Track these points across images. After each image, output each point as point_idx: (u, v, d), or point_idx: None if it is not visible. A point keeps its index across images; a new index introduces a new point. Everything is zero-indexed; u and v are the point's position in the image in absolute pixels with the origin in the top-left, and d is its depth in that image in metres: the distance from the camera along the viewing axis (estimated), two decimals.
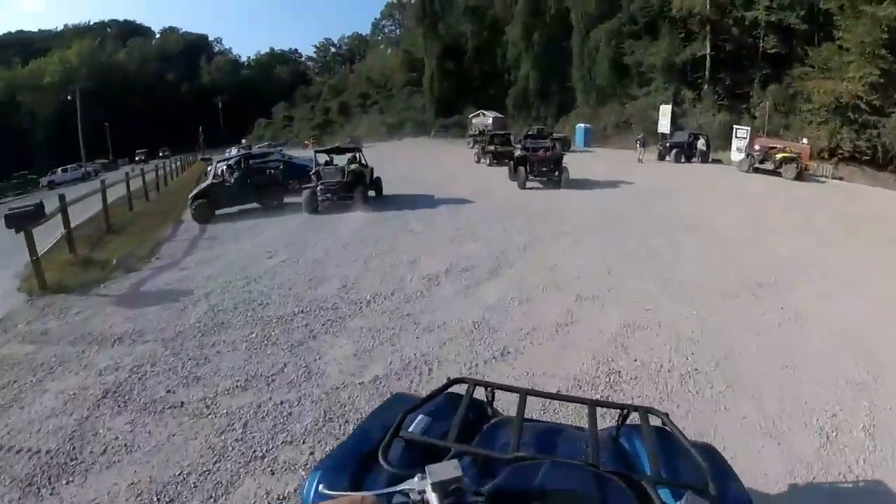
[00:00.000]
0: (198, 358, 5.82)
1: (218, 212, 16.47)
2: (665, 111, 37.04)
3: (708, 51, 40.30)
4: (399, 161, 31.93)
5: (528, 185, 19.51)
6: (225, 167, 18.54)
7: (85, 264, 9.93)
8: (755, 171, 24.79)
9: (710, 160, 29.05)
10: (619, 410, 1.90)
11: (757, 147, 26.92)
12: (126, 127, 73.53)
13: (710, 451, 1.78)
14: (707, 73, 40.79)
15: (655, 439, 1.64)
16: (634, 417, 1.85)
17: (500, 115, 50.75)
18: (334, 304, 7.46)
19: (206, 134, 72.26)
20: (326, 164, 18.06)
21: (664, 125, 36.30)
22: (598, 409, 1.80)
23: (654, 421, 1.79)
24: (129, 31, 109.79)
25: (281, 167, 19.46)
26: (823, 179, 25.91)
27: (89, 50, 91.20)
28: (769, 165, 24.48)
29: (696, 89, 41.39)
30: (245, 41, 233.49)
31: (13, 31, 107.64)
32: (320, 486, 1.44)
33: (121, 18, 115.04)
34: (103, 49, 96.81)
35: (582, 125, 42.79)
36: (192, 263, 10.46)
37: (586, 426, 1.72)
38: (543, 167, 19.78)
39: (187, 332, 6.60)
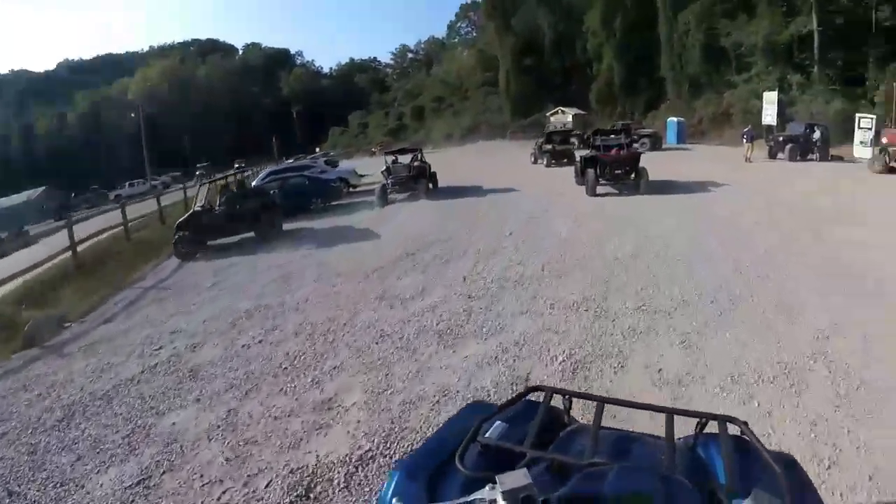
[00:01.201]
0: None
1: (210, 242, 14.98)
2: (770, 98, 32.64)
3: (815, 25, 35.37)
4: (457, 165, 30.42)
5: (600, 189, 17.39)
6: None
7: None
8: (891, 172, 20.82)
9: (829, 157, 24.88)
10: (697, 419, 1.75)
11: (885, 139, 22.76)
12: (206, 140, 75.58)
13: (790, 463, 1.66)
14: (816, 52, 35.89)
15: (733, 449, 1.56)
16: (714, 427, 1.67)
17: (581, 112, 47.64)
18: None
19: (283, 144, 72.47)
20: (394, 162, 21.19)
21: (770, 115, 32.00)
22: (676, 418, 1.72)
23: (734, 430, 1.68)
24: (212, 48, 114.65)
25: (306, 182, 20.41)
26: None
27: (170, 68, 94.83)
28: None
29: (804, 72, 36.52)
30: (327, 53, 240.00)
31: (101, 53, 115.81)
32: (397, 492, 1.47)
33: (203, 38, 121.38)
34: (184, 66, 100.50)
35: (674, 119, 38.45)
36: (93, 341, 8.50)
37: (664, 435, 1.67)
38: (617, 169, 17.51)
39: None
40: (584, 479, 1.35)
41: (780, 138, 25.18)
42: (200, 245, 14.65)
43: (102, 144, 75.94)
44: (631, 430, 1.97)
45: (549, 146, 28.44)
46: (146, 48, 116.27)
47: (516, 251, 10.95)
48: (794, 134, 25.12)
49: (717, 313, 6.83)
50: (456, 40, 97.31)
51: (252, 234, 15.25)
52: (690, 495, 1.33)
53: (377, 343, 6.90)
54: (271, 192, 18.17)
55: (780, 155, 24.88)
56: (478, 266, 10.06)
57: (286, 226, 16.40)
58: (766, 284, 7.82)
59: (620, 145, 18.54)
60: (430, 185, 21.04)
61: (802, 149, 24.56)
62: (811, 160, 24.38)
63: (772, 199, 15.12)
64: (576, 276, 8.89)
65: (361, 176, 28.25)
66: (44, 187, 54.78)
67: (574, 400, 1.95)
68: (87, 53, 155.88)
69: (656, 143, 33.29)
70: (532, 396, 1.88)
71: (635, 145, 30.87)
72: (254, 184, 21.63)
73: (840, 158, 24.47)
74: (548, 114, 48.95)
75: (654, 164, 19.52)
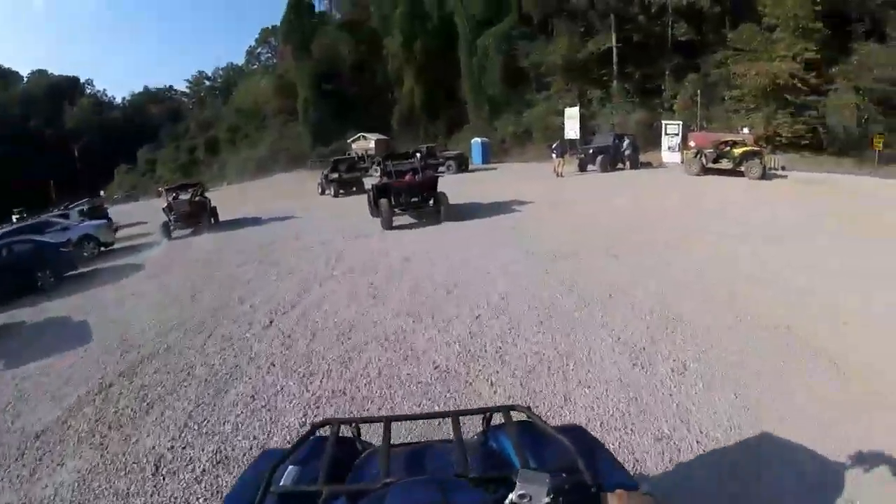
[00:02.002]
0: None
1: None
2: (571, 114, 31.46)
3: (614, 42, 35.31)
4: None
5: (397, 220, 14.90)
6: None
7: None
8: (706, 173, 19.11)
9: (639, 165, 23.28)
10: (482, 415, 1.91)
11: (693, 143, 21.68)
12: None
13: (577, 432, 1.81)
14: (615, 67, 35.83)
15: (521, 434, 1.65)
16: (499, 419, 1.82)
17: (383, 138, 44.32)
18: None
19: (63, 187, 61.21)
20: (175, 198, 20.39)
21: (572, 130, 30.71)
22: (463, 419, 1.82)
23: (520, 417, 1.80)
24: None
25: (31, 249, 13.90)
26: (781, 173, 20.67)
27: None
28: (726, 164, 18.94)
29: (603, 87, 36.32)
30: (121, 82, 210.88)
31: None
32: None
33: None
34: None
35: (478, 140, 36.42)
36: None
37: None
38: (413, 197, 15.32)
39: None
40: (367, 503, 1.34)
41: (591, 150, 23.04)
42: None
43: None
44: (420, 440, 2.25)
45: (335, 175, 26.17)
46: None
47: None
48: (604, 145, 23.13)
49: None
50: (255, 67, 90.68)
51: None
52: (467, 493, 1.34)
53: None
54: None
55: (591, 166, 22.76)
56: None
57: None
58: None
59: (415, 170, 16.06)
60: (212, 220, 20.54)
61: (613, 158, 22.62)
62: (621, 169, 22.67)
63: (594, 213, 13.29)
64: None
65: (117, 229, 21.49)
66: None
67: (362, 426, 2.03)
68: None
69: (462, 164, 30.94)
70: (321, 432, 1.83)
71: (441, 168, 28.19)
72: None
73: (649, 164, 23.04)
74: (349, 140, 45.00)
75: (461, 187, 18.89)
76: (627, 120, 32.06)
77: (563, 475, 1.37)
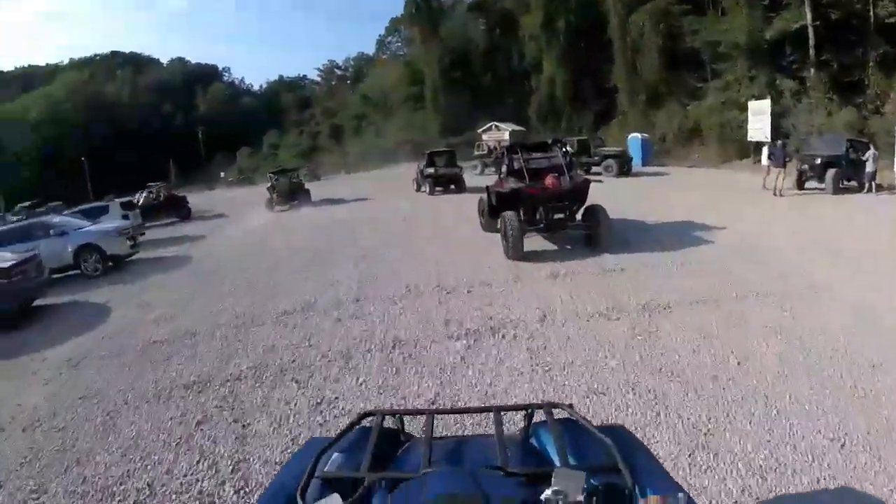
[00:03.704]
0: None
1: None
2: (759, 109, 25.18)
3: (809, 20, 28.33)
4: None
5: (529, 244, 10.45)
6: None
7: None
8: None
9: (873, 185, 16.74)
10: (524, 411, 1.90)
11: None
12: (111, 163, 64.72)
13: (618, 431, 1.80)
14: (812, 51, 28.76)
15: (563, 431, 1.64)
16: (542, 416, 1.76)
17: (519, 129, 39.68)
18: None
19: (189, 167, 64.54)
20: (277, 180, 25.94)
21: (760, 130, 24.63)
22: (506, 413, 1.84)
23: (562, 415, 1.80)
24: (134, 62, 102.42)
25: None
26: None
27: (76, 83, 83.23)
28: None
29: (795, 77, 29.33)
30: (257, 70, 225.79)
31: (24, 65, 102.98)
32: None
33: (127, 51, 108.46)
34: (93, 82, 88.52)
35: (637, 136, 30.06)
36: None
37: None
38: (556, 210, 10.67)
39: None
40: (404, 491, 1.37)
41: (818, 160, 17.02)
42: None
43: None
44: (463, 434, 2.35)
45: (430, 170, 23.72)
46: (66, 60, 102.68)
47: None
48: (835, 154, 16.99)
49: None
50: (385, 56, 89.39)
51: None
52: (505, 486, 1.35)
53: None
54: None
55: (817, 183, 16.94)
56: None
57: None
58: None
59: (557, 169, 10.80)
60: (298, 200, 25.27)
61: (847, 174, 16.72)
62: (851, 189, 16.65)
63: None
64: None
65: (135, 238, 15.88)
66: None
67: (406, 417, 2.06)
68: (7, 64, 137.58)
69: (624, 165, 25.04)
70: (366, 422, 1.85)
71: (596, 170, 23.03)
72: None
73: (880, 187, 16.58)
74: (480, 130, 40.73)
75: (624, 198, 15.36)
76: (832, 121, 25.32)
77: (601, 475, 1.36)
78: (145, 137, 76.87)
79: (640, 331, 6.08)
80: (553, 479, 1.21)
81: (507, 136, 36.88)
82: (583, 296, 7.52)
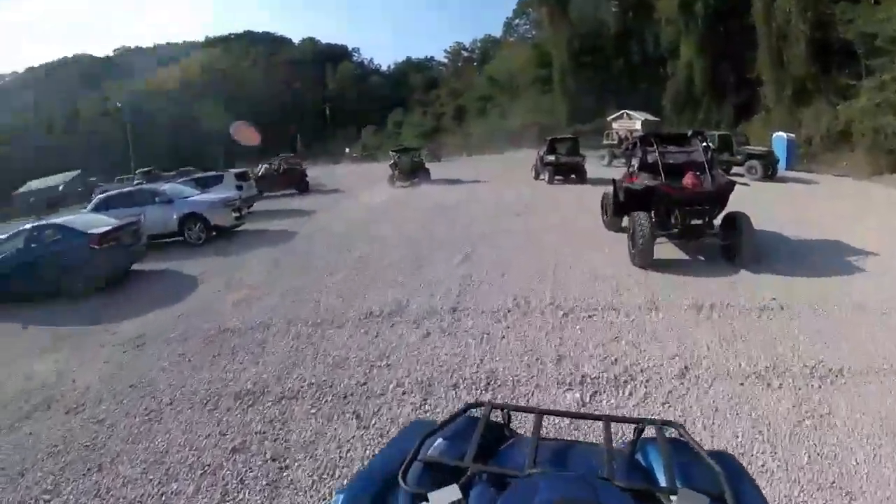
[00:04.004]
0: None
1: None
2: None
3: None
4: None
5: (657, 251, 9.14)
6: None
7: None
8: None
9: None
10: (635, 425, 1.80)
11: None
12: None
13: (727, 459, 1.71)
14: None
15: (671, 451, 1.59)
16: (651, 432, 1.70)
17: (652, 118, 38.48)
18: None
19: (317, 141, 67.72)
20: (399, 157, 27.60)
21: None
22: (614, 425, 1.75)
23: (671, 433, 1.76)
24: (266, 41, 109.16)
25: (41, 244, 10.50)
26: None
27: (210, 60, 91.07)
28: None
29: None
30: (386, 52, 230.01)
31: (160, 43, 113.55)
32: None
33: (260, 30, 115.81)
34: (226, 58, 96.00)
35: (783, 135, 27.10)
36: None
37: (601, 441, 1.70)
38: (694, 215, 9.16)
39: None
40: (514, 492, 1.36)
41: None
42: None
43: (133, 134, 72.15)
44: (569, 438, 2.26)
45: (551, 157, 22.64)
46: (202, 38, 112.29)
47: None
48: None
49: None
50: (513, 38, 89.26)
51: None
52: (619, 498, 1.31)
53: None
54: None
55: None
56: None
57: None
58: None
59: (698, 166, 9.56)
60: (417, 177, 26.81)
61: None
62: None
63: None
64: None
65: (241, 210, 16.01)
66: (78, 171, 51.86)
67: (513, 414, 2.00)
68: (146, 41, 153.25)
69: (769, 167, 22.52)
70: (473, 413, 1.84)
71: (738, 170, 21.36)
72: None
73: None
74: (610, 118, 39.79)
75: (774, 207, 13.35)
76: None
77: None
78: (275, 112, 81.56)
79: (807, 411, 4.58)
80: (676, 499, 1.22)
81: (638, 125, 35.87)
82: (735, 343, 5.89)
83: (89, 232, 10.26)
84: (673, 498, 1.32)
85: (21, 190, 48.78)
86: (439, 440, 1.69)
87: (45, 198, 41.92)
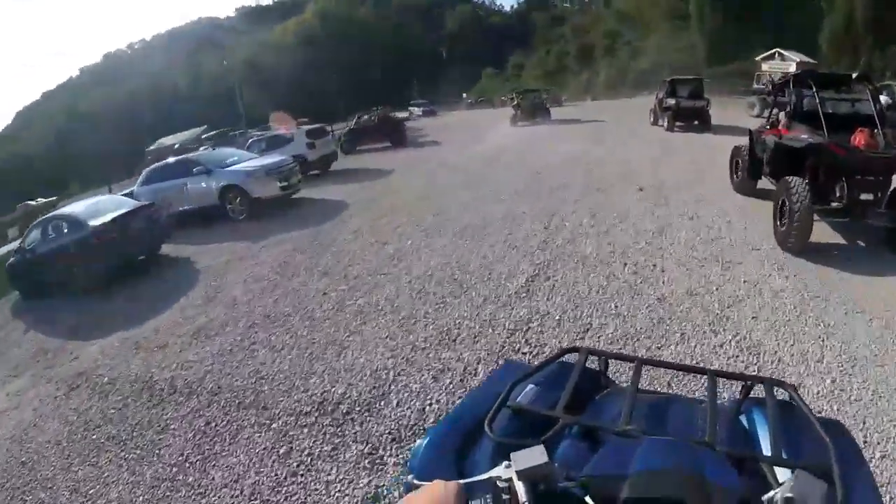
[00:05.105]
0: None
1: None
2: None
3: None
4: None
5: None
6: None
7: None
8: None
9: None
10: (742, 382, 1.73)
11: None
12: (354, 85, 71.48)
13: (838, 428, 1.60)
14: None
15: (779, 415, 1.48)
16: (759, 391, 1.61)
17: (809, 60, 34.96)
18: None
19: (434, 87, 67.38)
20: (522, 99, 30.45)
21: None
22: (720, 381, 1.65)
23: (781, 394, 1.62)
24: None
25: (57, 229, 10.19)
26: None
27: (324, 9, 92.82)
28: None
29: None
30: None
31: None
32: (426, 457, 1.44)
33: None
34: (342, 5, 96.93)
35: None
36: None
37: (705, 398, 1.58)
38: (864, 188, 6.67)
39: None
40: (608, 455, 1.30)
41: None
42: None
43: (244, 91, 75.70)
44: (670, 392, 2.12)
45: (671, 101, 20.74)
46: None
47: None
48: None
49: None
50: None
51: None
52: (725, 473, 1.22)
53: None
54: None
55: None
56: None
57: None
58: None
59: (867, 120, 7.16)
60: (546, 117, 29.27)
61: None
62: None
63: None
64: None
65: (289, 178, 13.69)
66: (204, 126, 53.77)
67: (611, 361, 1.91)
68: None
69: None
70: (568, 358, 1.78)
71: None
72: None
73: None
74: (758, 58, 36.49)
75: None
76: None
77: (801, 472, 1.19)
78: (392, 58, 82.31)
79: None
80: (791, 482, 1.10)
81: (793, 67, 32.81)
82: None
83: (90, 223, 9.55)
84: (779, 471, 1.25)
85: (152, 147, 52.53)
86: (530, 386, 1.64)
87: (165, 154, 44.76)
